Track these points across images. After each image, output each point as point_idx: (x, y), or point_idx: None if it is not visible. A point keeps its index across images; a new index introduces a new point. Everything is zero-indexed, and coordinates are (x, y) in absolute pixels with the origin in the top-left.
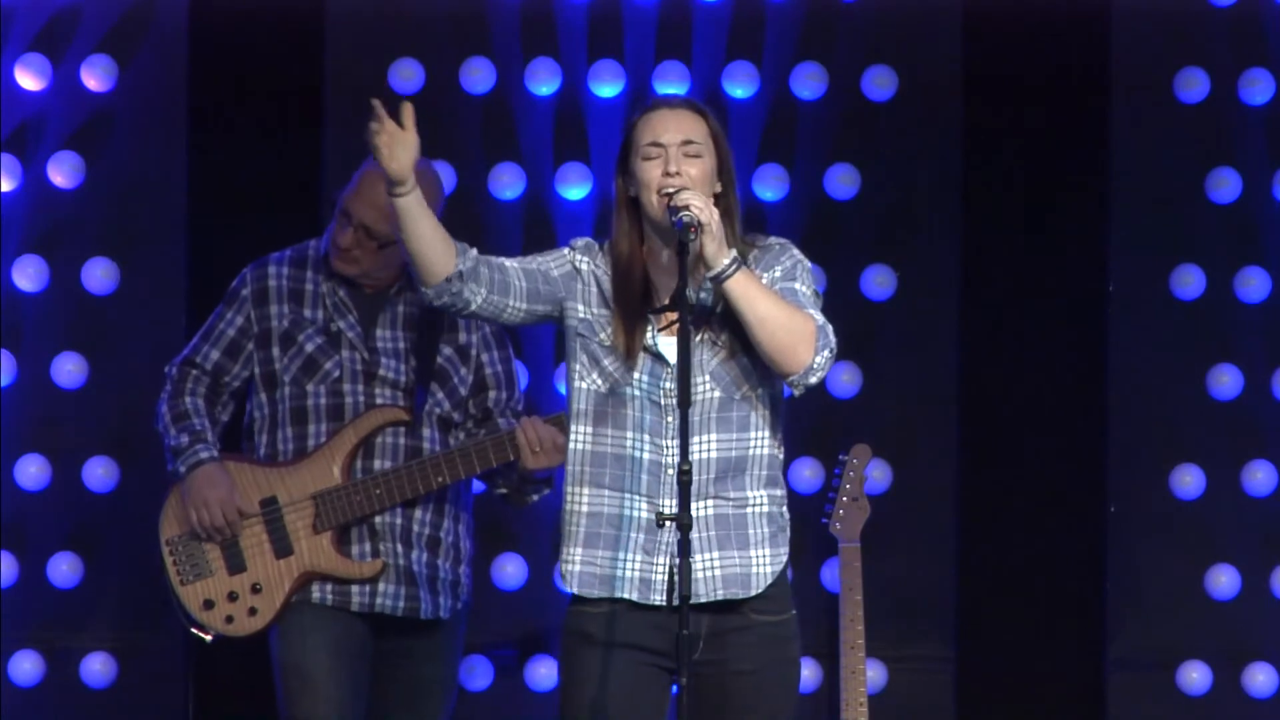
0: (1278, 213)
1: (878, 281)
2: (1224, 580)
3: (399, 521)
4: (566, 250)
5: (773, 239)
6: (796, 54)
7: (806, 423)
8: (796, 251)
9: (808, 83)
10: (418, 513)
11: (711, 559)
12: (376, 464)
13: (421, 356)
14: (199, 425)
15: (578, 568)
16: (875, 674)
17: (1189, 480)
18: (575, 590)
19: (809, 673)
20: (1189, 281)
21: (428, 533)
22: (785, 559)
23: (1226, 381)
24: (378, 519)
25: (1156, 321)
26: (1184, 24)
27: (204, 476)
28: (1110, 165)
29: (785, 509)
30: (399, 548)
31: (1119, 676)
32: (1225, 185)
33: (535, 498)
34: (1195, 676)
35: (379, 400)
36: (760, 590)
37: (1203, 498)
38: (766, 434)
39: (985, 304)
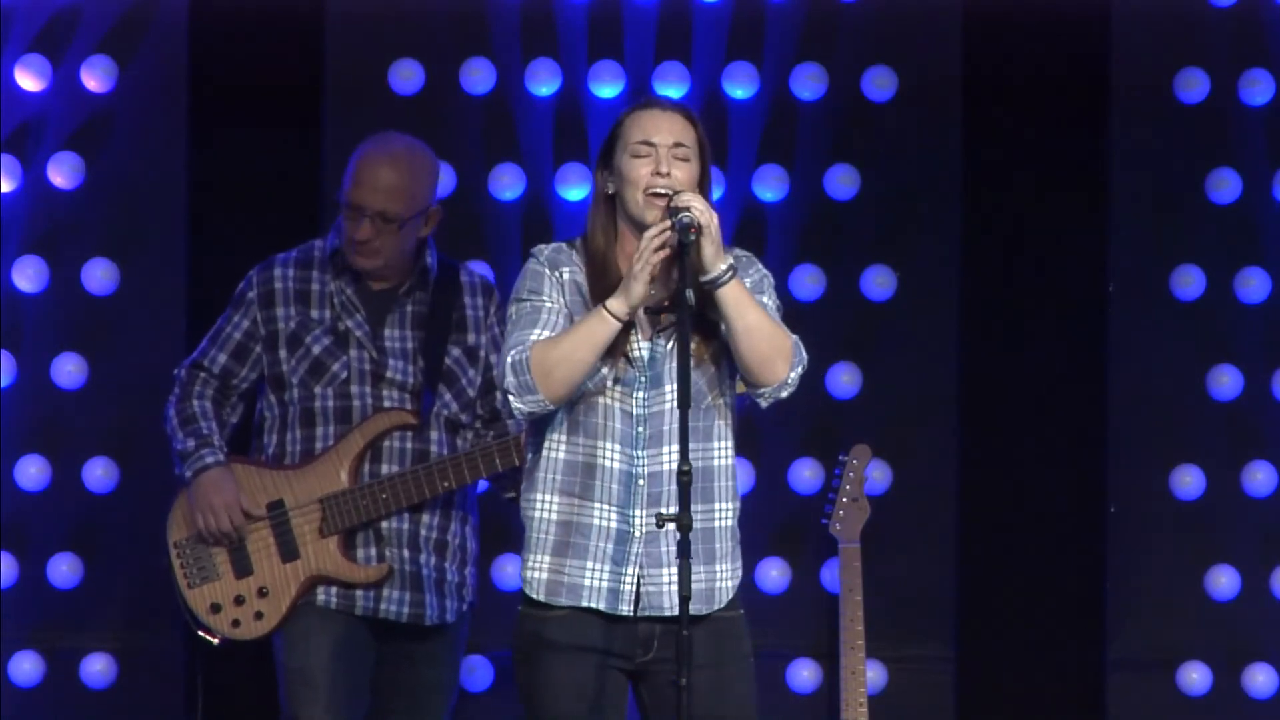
0: (1278, 213)
1: (878, 281)
2: (1224, 580)
3: (405, 526)
4: (546, 271)
5: (738, 250)
6: (796, 54)
7: (806, 423)
8: (761, 265)
9: (808, 83)
10: (424, 516)
11: (676, 573)
12: (383, 468)
13: (430, 357)
14: (205, 429)
15: (545, 575)
16: (875, 674)
17: (1189, 480)
18: (542, 598)
19: (809, 673)
20: (1189, 281)
21: (435, 536)
22: (742, 571)
23: (1226, 382)
24: (384, 523)
25: (1156, 321)
26: (1184, 24)
27: (209, 481)
28: (1110, 165)
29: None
30: (405, 552)
31: (1119, 676)
32: (1225, 185)
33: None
34: (1195, 676)
35: (386, 403)
36: (722, 604)
37: (1203, 498)
38: (728, 444)
39: (985, 304)
